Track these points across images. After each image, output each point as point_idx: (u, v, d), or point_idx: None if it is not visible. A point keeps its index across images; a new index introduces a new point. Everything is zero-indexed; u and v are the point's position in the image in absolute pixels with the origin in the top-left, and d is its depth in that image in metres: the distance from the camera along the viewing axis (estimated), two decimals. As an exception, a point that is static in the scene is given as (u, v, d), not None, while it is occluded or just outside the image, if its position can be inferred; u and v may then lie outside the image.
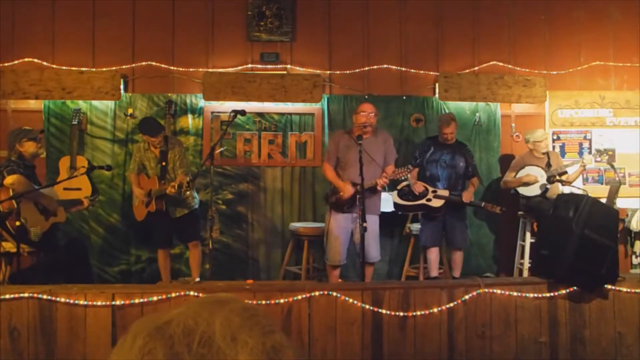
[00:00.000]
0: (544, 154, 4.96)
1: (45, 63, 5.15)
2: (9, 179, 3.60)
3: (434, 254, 4.73)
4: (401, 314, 3.25)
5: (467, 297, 3.32)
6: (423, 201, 4.64)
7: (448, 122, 4.71)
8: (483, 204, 4.63)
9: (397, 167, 4.21)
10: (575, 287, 3.40)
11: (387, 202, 4.98)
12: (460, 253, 4.78)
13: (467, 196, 4.61)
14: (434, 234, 4.71)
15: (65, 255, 3.93)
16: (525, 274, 4.82)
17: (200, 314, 0.60)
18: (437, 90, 5.36)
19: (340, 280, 4.38)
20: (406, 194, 4.74)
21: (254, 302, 3.16)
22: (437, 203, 4.61)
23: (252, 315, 0.62)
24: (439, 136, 4.82)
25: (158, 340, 0.58)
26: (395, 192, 4.80)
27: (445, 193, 4.64)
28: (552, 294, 3.40)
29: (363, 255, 3.80)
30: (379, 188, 4.11)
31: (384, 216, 4.79)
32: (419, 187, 4.67)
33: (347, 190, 4.07)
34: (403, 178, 4.20)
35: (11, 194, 3.58)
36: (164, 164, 4.39)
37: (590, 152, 5.45)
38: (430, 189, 4.67)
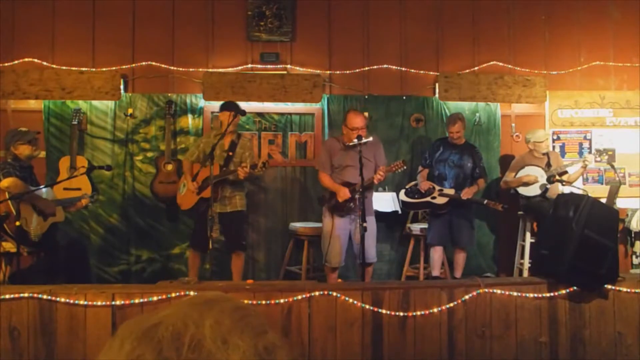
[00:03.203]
0: (544, 154, 4.96)
1: (45, 63, 5.15)
2: (5, 182, 3.59)
3: (437, 252, 4.75)
4: (401, 314, 3.25)
5: (467, 297, 3.32)
6: (428, 199, 4.71)
7: (454, 121, 4.76)
8: (486, 201, 4.66)
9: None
10: (575, 287, 3.40)
11: (388, 202, 4.99)
12: (463, 254, 4.79)
13: (466, 193, 4.63)
14: (440, 232, 4.73)
15: (65, 255, 3.92)
16: (525, 274, 4.82)
17: (189, 316, 0.59)
18: (437, 90, 5.36)
19: (340, 280, 4.38)
20: (412, 192, 4.84)
21: (254, 302, 3.16)
22: (441, 201, 4.66)
23: (243, 315, 0.61)
24: (448, 137, 4.86)
25: (146, 345, 0.56)
26: (403, 191, 4.88)
27: (451, 192, 4.67)
28: (552, 294, 3.39)
29: (363, 255, 3.80)
30: (375, 182, 4.12)
31: (384, 216, 4.80)
32: (425, 185, 4.74)
33: (343, 194, 4.13)
34: (399, 171, 4.20)
35: (7, 196, 3.57)
36: (230, 154, 4.34)
37: (590, 152, 5.45)
38: (437, 187, 4.72)
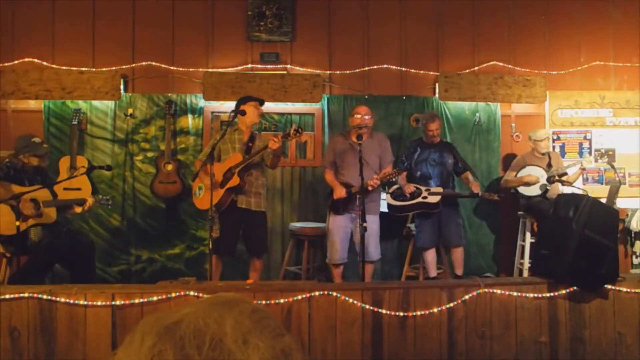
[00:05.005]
0: (543, 154, 4.97)
1: (45, 63, 5.15)
2: None
3: (431, 255, 4.72)
4: (401, 314, 3.25)
5: (467, 297, 3.31)
6: (419, 199, 4.65)
7: (432, 118, 4.72)
8: (480, 193, 4.63)
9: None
10: (575, 287, 3.40)
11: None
12: (459, 250, 4.73)
13: (477, 187, 4.60)
14: (431, 234, 4.69)
15: (46, 256, 3.83)
16: (525, 274, 4.82)
17: (210, 315, 0.60)
18: (437, 90, 5.36)
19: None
20: (400, 195, 4.75)
21: (254, 302, 3.16)
22: (434, 199, 4.62)
23: (262, 317, 0.62)
24: (423, 137, 4.82)
25: (168, 341, 0.57)
26: (388, 195, 4.80)
27: (439, 189, 4.64)
28: (552, 294, 3.39)
29: (363, 254, 3.83)
30: (369, 189, 4.10)
31: (383, 216, 4.78)
32: (409, 188, 4.68)
33: (338, 193, 4.19)
34: (393, 179, 4.22)
35: None
36: (250, 145, 4.20)
37: (590, 153, 5.45)
38: (423, 187, 4.67)
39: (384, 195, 4.99)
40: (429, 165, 4.75)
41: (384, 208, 4.95)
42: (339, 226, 4.26)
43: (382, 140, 4.40)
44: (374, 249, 4.23)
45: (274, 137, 3.93)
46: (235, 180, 4.00)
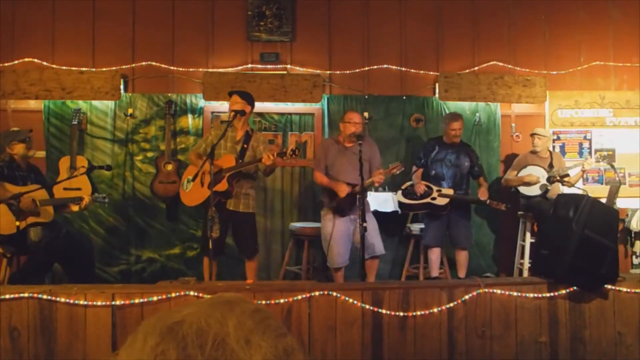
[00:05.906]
0: (544, 157, 4.97)
1: (45, 63, 5.15)
2: None
3: (435, 254, 4.73)
4: (401, 314, 3.25)
5: (467, 297, 3.31)
6: (428, 200, 4.65)
7: (456, 117, 4.75)
8: (488, 201, 4.62)
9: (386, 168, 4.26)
10: (575, 287, 3.40)
11: (387, 202, 4.98)
12: (465, 253, 4.76)
13: (484, 193, 4.61)
14: (438, 233, 4.70)
15: (46, 256, 3.82)
16: (525, 274, 4.82)
17: (212, 315, 0.60)
18: (437, 90, 5.36)
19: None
20: (411, 193, 4.77)
21: (254, 302, 3.16)
22: (442, 202, 4.62)
23: (264, 318, 0.62)
24: (443, 136, 4.83)
25: (171, 340, 0.57)
26: (400, 192, 4.83)
27: (450, 192, 4.64)
28: (552, 294, 3.39)
29: (363, 254, 3.82)
30: (376, 185, 4.14)
31: (384, 216, 4.79)
32: (421, 187, 4.69)
33: (343, 189, 4.16)
34: (397, 173, 4.20)
35: None
36: (245, 146, 4.11)
37: (590, 153, 5.45)
38: (435, 188, 4.68)
39: (385, 195, 5.01)
40: (444, 166, 4.77)
41: (385, 207, 4.97)
42: (341, 230, 4.22)
43: (372, 145, 4.42)
44: (377, 244, 4.24)
45: (269, 151, 3.88)
46: (223, 185, 3.94)
